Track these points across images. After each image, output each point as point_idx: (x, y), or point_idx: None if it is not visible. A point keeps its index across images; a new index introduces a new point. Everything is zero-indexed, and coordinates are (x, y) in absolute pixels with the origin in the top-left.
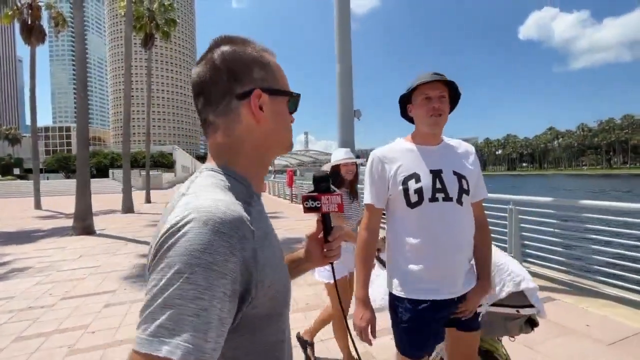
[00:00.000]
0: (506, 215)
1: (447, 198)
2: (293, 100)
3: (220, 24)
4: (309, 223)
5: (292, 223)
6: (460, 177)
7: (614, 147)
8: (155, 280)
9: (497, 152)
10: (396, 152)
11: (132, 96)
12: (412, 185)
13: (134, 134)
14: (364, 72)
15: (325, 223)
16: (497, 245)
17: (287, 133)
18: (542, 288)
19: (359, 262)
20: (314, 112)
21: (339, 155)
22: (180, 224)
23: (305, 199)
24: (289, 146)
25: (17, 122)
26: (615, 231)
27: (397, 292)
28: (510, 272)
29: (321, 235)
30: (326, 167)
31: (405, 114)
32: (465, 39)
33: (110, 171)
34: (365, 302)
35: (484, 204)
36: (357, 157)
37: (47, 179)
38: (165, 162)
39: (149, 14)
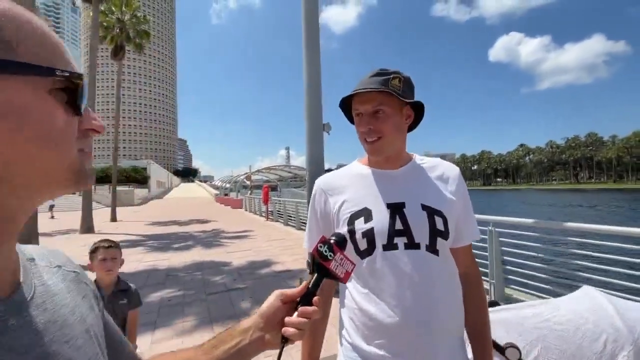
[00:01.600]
0: (486, 237)
1: (412, 244)
2: (67, 85)
3: (200, 40)
4: (279, 245)
5: (260, 244)
6: (432, 212)
7: (580, 163)
8: None
9: (472, 168)
10: (344, 180)
11: (106, 109)
12: (360, 225)
13: (107, 148)
14: (343, 89)
15: (317, 283)
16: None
17: (53, 149)
18: None
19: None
20: (295, 128)
21: None
22: None
23: (322, 241)
24: (71, 174)
25: None
26: (603, 257)
27: None
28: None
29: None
30: None
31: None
32: (440, 60)
33: None
34: None
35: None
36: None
37: None
38: (138, 178)
39: (119, 24)
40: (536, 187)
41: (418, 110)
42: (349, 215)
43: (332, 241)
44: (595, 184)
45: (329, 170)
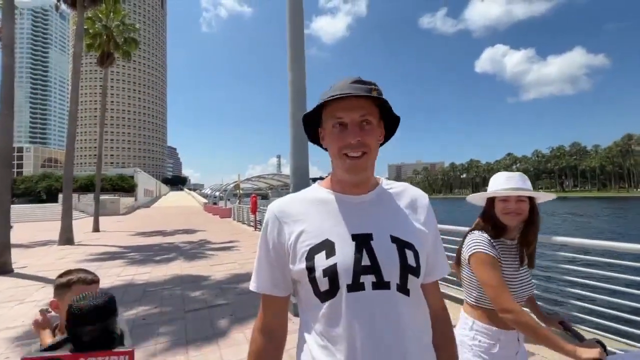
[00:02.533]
0: None
1: (381, 283)
2: None
3: (190, 47)
4: None
5: (246, 256)
6: (402, 245)
7: (565, 171)
8: None
9: (462, 176)
10: (303, 206)
11: (94, 116)
12: (321, 262)
13: (93, 155)
14: None
15: None
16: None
17: None
18: None
19: None
20: (286, 136)
21: (498, 182)
22: None
23: None
24: None
25: None
26: (599, 274)
27: None
28: None
29: None
30: (474, 199)
31: (316, 138)
32: (428, 70)
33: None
34: None
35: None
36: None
37: None
38: (125, 186)
39: (106, 31)
40: None
41: (387, 132)
42: (307, 248)
43: (51, 357)
44: (580, 192)
45: (321, 177)
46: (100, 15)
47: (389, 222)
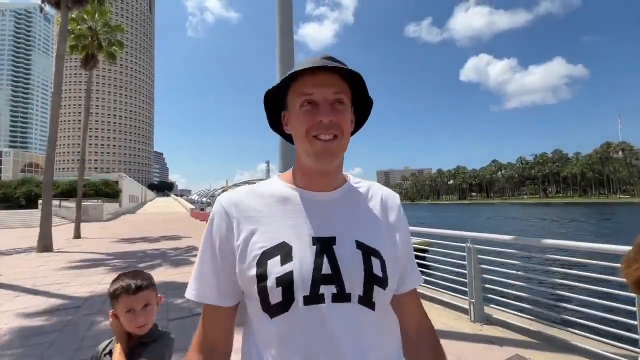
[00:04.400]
0: (464, 254)
1: (342, 296)
2: None
3: (176, 52)
4: None
5: None
6: (368, 252)
7: (548, 178)
8: None
9: (449, 182)
10: (257, 201)
11: (78, 120)
12: (275, 268)
13: (76, 160)
14: None
15: None
16: (455, 289)
17: None
18: (509, 342)
19: None
20: (276, 142)
21: None
22: None
23: None
24: None
25: None
26: (587, 276)
27: None
28: None
29: None
30: None
31: (278, 126)
32: (414, 78)
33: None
34: None
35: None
36: None
37: None
38: (109, 192)
39: (91, 33)
40: (509, 202)
41: (359, 118)
42: (260, 252)
43: None
44: (563, 198)
45: None
46: (85, 17)
47: (355, 225)
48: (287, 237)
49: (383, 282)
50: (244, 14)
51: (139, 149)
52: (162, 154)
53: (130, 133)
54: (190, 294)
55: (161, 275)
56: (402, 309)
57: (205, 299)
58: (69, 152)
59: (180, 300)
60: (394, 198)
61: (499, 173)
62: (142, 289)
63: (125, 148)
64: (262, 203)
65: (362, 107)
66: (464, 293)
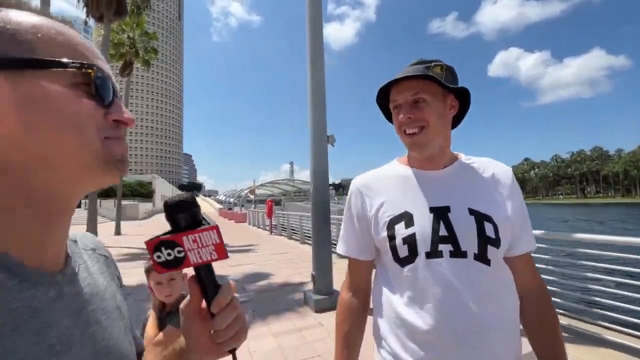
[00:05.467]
0: None
1: (458, 252)
2: (83, 79)
3: (202, 55)
4: (282, 258)
5: (263, 258)
6: (480, 217)
7: (586, 177)
8: None
9: None
10: (383, 181)
11: None
12: (401, 230)
13: None
14: (343, 104)
15: (203, 283)
16: None
17: (76, 135)
18: None
19: (337, 337)
20: (298, 142)
21: None
22: None
23: (152, 247)
24: (97, 158)
25: None
26: (618, 269)
27: None
28: None
29: (204, 305)
30: None
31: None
32: None
33: (84, 202)
34: None
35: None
36: (338, 187)
37: None
38: (143, 192)
39: (129, 41)
40: (543, 202)
41: (463, 102)
42: (388, 219)
43: (166, 238)
44: (603, 197)
45: (334, 184)
46: (124, 27)
47: (468, 195)
48: (408, 207)
49: (496, 242)
50: (265, 16)
51: (169, 150)
52: (190, 156)
53: (162, 136)
54: (339, 249)
55: None
56: (514, 269)
57: (350, 253)
58: None
59: None
60: (506, 170)
61: (532, 172)
62: None
63: (156, 150)
64: (386, 181)
65: (460, 93)
66: None
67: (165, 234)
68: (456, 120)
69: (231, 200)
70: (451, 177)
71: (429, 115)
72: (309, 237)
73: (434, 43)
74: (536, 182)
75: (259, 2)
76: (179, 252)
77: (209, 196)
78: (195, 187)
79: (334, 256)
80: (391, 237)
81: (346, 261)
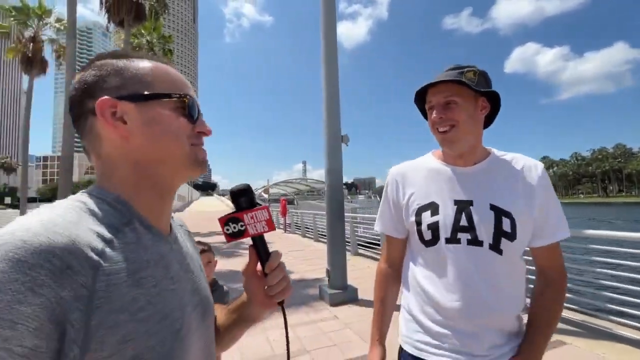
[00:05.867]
0: None
1: (475, 241)
2: (180, 104)
3: (215, 56)
4: (297, 255)
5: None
6: (500, 213)
7: (608, 175)
8: None
9: None
10: (417, 172)
11: None
12: (426, 218)
13: None
14: (356, 103)
15: (258, 250)
16: None
17: (174, 143)
18: None
19: (375, 300)
20: (311, 142)
21: None
22: None
23: (223, 222)
24: (186, 160)
25: (17, 152)
26: (631, 265)
27: (403, 343)
28: None
29: (259, 267)
30: None
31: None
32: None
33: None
34: (378, 344)
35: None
36: (351, 187)
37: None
38: None
39: (148, 44)
40: (562, 201)
41: (495, 104)
42: (417, 207)
43: (233, 214)
44: (626, 197)
45: (346, 184)
46: (143, 31)
47: (491, 191)
48: (435, 198)
49: (511, 236)
50: (277, 16)
51: None
52: None
53: None
54: (377, 227)
55: (217, 264)
56: (535, 255)
57: (386, 230)
58: None
59: (236, 285)
60: (536, 166)
61: (550, 170)
62: (205, 251)
63: None
64: (419, 173)
65: (492, 95)
66: None
67: (230, 213)
68: (488, 120)
69: None
70: (479, 173)
71: (458, 115)
72: (323, 235)
73: (448, 39)
74: (555, 180)
75: (271, 3)
76: (241, 226)
77: (224, 195)
78: (209, 187)
79: (347, 253)
80: (418, 223)
81: (359, 258)
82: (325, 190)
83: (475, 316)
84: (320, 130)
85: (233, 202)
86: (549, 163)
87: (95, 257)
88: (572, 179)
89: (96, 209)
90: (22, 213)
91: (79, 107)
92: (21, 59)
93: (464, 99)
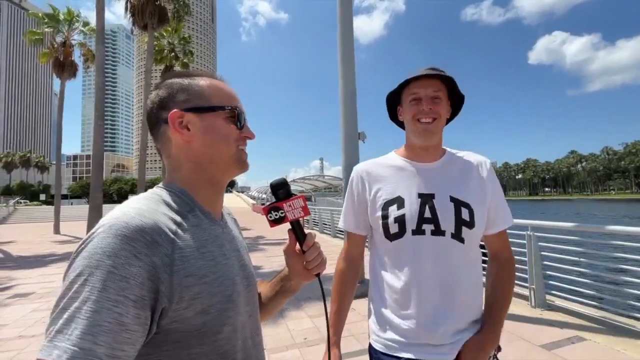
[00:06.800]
0: (524, 242)
1: (438, 231)
2: (231, 114)
3: (232, 55)
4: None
5: None
6: (459, 204)
7: None
8: (62, 286)
9: (517, 177)
10: (382, 169)
11: None
12: (393, 212)
13: (154, 160)
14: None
15: (296, 232)
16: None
17: (224, 146)
18: (570, 325)
19: (332, 302)
20: (328, 139)
21: None
22: (92, 232)
23: (267, 211)
24: (233, 160)
25: (50, 152)
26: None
27: (373, 341)
28: None
29: (298, 246)
30: None
31: (395, 118)
32: (474, 63)
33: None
34: (335, 347)
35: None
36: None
37: (72, 204)
38: None
39: (169, 47)
40: (591, 197)
41: (454, 110)
42: (383, 202)
43: (274, 204)
44: None
45: None
46: (164, 34)
47: (450, 185)
48: (401, 192)
49: (470, 224)
50: (292, 13)
51: None
52: None
53: None
54: (340, 224)
55: None
56: (488, 242)
57: (348, 227)
58: (149, 154)
59: (258, 278)
60: (484, 162)
61: (579, 165)
62: None
63: None
64: (384, 170)
65: (456, 100)
66: (524, 280)
67: (271, 203)
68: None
69: (263, 195)
70: (438, 169)
71: (441, 110)
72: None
73: (469, 31)
74: (584, 176)
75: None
76: (282, 213)
77: (242, 192)
78: (228, 184)
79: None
80: (385, 217)
81: None
82: (343, 187)
83: (438, 301)
84: (337, 126)
85: (273, 193)
86: (577, 158)
87: (171, 235)
88: (602, 175)
89: (169, 200)
90: (57, 209)
91: (155, 117)
92: (53, 63)
93: (445, 97)
